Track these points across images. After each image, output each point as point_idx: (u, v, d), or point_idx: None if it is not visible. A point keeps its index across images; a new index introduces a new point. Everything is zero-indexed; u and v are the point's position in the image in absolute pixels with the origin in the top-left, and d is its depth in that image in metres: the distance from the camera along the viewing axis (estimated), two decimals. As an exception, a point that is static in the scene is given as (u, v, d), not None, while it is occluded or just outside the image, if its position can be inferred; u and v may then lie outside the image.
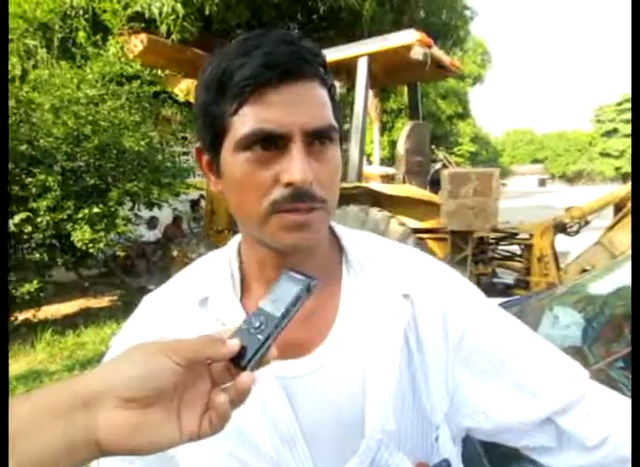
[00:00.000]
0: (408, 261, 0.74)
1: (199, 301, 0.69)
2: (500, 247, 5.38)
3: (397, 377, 0.64)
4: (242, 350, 0.47)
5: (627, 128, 53.70)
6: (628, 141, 53.62)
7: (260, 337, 0.48)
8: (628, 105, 53.84)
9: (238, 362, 0.47)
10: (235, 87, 0.56)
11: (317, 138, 0.59)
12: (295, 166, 0.56)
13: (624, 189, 4.52)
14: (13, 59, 5.14)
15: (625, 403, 0.65)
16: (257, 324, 0.49)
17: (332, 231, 0.75)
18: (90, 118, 5.17)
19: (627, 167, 53.35)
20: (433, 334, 0.67)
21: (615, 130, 56.01)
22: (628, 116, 53.94)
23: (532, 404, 0.65)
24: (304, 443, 0.62)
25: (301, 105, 0.57)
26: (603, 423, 0.63)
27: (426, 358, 0.66)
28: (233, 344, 0.47)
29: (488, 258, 5.13)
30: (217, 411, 0.45)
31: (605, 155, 56.80)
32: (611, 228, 4.46)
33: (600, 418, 0.64)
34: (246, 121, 0.56)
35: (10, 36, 5.50)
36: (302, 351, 0.65)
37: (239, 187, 0.60)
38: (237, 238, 0.75)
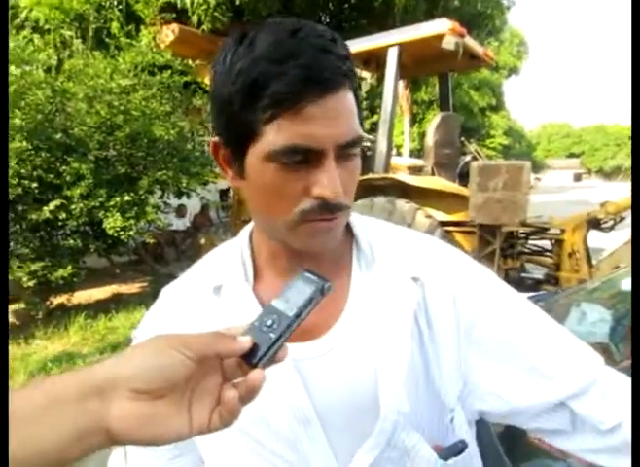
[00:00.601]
0: (418, 245, 0.74)
1: (214, 288, 0.71)
2: (530, 242, 5.27)
3: (409, 360, 0.64)
4: (254, 348, 0.48)
5: (670, 122, 51.55)
6: (671, 135, 51.49)
7: (272, 335, 0.48)
8: (672, 98, 51.65)
9: (249, 359, 0.47)
10: (271, 97, 0.55)
11: (347, 149, 0.59)
12: (328, 181, 0.57)
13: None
14: (49, 50, 5.28)
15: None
16: (269, 322, 0.49)
17: None
18: (122, 107, 5.26)
19: (669, 162, 51.22)
20: (444, 316, 0.68)
21: (657, 124, 53.83)
22: (672, 109, 51.72)
23: (546, 387, 0.65)
24: (319, 423, 0.64)
25: (336, 119, 0.57)
26: (617, 408, 0.63)
27: (437, 341, 0.67)
28: (245, 342, 0.47)
29: (517, 252, 5.04)
30: (226, 406, 0.46)
31: (645, 149, 54.71)
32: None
33: (614, 403, 0.64)
34: (281, 133, 0.56)
35: (47, 27, 5.64)
36: (315, 334, 0.66)
37: (267, 194, 0.61)
38: (248, 227, 0.77)
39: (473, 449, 0.72)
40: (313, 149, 0.56)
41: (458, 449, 0.67)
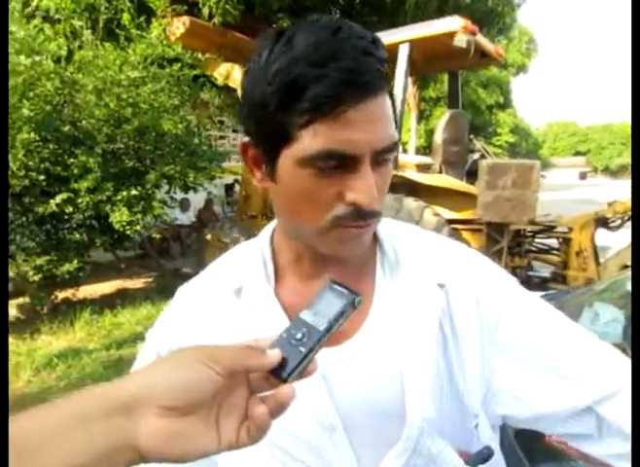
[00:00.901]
0: (441, 250, 0.74)
1: (235, 290, 0.70)
2: (537, 240, 5.27)
3: (433, 366, 0.64)
4: (282, 361, 0.46)
5: (678, 122, 51.43)
6: (678, 135, 51.45)
7: (302, 349, 0.47)
8: (680, 97, 51.50)
9: (279, 373, 0.46)
10: (310, 101, 0.53)
11: (383, 155, 0.58)
12: (364, 188, 0.56)
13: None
14: (59, 40, 5.22)
15: None
16: (298, 336, 0.48)
17: None
18: (131, 100, 5.23)
19: (676, 162, 51.31)
20: (468, 322, 0.67)
21: (664, 123, 53.69)
22: (679, 108, 51.62)
23: (572, 391, 0.64)
24: (343, 430, 0.63)
25: (374, 123, 0.55)
26: None
27: (462, 347, 0.66)
28: (274, 356, 0.46)
29: (525, 251, 5.03)
30: (256, 421, 0.45)
31: (652, 148, 54.65)
32: (656, 224, 4.30)
33: None
34: (317, 138, 0.54)
35: (57, 16, 5.60)
36: (339, 340, 0.65)
37: (299, 198, 0.60)
38: (269, 228, 0.76)
39: (498, 456, 0.71)
40: (350, 155, 0.55)
41: (485, 455, 0.67)
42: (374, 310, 0.67)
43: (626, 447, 0.63)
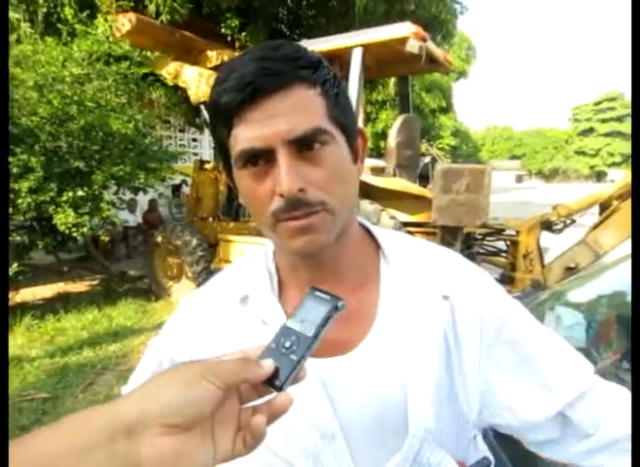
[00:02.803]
0: (445, 262, 0.75)
1: (240, 299, 0.72)
2: (486, 243, 5.44)
3: (436, 377, 0.65)
4: (275, 371, 0.48)
5: (603, 128, 54.79)
6: (604, 140, 54.85)
7: (293, 357, 0.49)
8: (605, 105, 54.95)
9: (272, 383, 0.48)
10: (221, 113, 0.61)
11: (304, 144, 0.59)
12: (282, 178, 0.58)
13: (610, 189, 4.60)
14: (-4, 33, 4.92)
15: (624, 392, 0.69)
16: (287, 344, 0.50)
17: (367, 230, 0.78)
18: (76, 97, 4.98)
19: (602, 166, 54.61)
20: (470, 335, 0.69)
21: (591, 129, 57.16)
22: (605, 116, 55.09)
23: (550, 399, 0.68)
24: (343, 438, 0.64)
25: (278, 117, 0.58)
26: (601, 412, 0.67)
27: (463, 359, 0.68)
28: (269, 367, 0.47)
29: (475, 253, 5.18)
30: (253, 430, 0.45)
31: (580, 153, 58.08)
32: (595, 227, 4.54)
33: (600, 408, 0.67)
34: (236, 142, 0.61)
35: (-8, 8, 5.27)
36: (343, 349, 0.67)
37: (248, 201, 0.66)
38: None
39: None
40: (261, 150, 0.59)
41: (484, 465, 0.69)
42: (379, 321, 0.69)
43: (593, 442, 0.66)
